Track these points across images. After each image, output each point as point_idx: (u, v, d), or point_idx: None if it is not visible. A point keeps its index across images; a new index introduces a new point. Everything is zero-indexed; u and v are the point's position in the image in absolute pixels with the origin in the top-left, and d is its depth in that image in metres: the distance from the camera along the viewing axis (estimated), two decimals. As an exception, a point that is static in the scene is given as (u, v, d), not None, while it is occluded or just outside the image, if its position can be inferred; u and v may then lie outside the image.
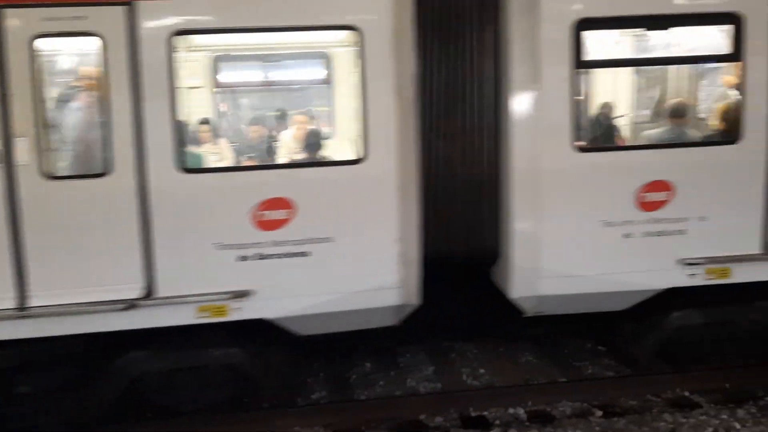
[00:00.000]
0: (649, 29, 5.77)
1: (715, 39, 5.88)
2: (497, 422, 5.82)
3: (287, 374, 6.30)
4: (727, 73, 6.25)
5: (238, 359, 5.78)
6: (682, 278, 5.97)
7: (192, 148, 5.98)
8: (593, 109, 6.54)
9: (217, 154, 6.77)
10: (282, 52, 6.80)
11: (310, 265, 5.53)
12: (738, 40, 5.68)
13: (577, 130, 5.74)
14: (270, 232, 5.46)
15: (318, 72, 7.25)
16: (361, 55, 5.41)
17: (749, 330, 6.43)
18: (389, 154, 5.52)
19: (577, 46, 5.58)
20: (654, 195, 5.80)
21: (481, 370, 6.89)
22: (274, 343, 5.97)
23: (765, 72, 5.72)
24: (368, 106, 5.45)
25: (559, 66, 5.59)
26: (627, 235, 5.84)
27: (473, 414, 5.93)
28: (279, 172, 5.78)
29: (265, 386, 5.92)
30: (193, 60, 7.13)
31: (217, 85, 7.47)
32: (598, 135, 6.31)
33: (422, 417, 5.90)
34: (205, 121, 6.89)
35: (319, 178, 5.58)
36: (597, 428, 5.66)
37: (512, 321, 6.60)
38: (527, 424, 5.78)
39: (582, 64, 5.66)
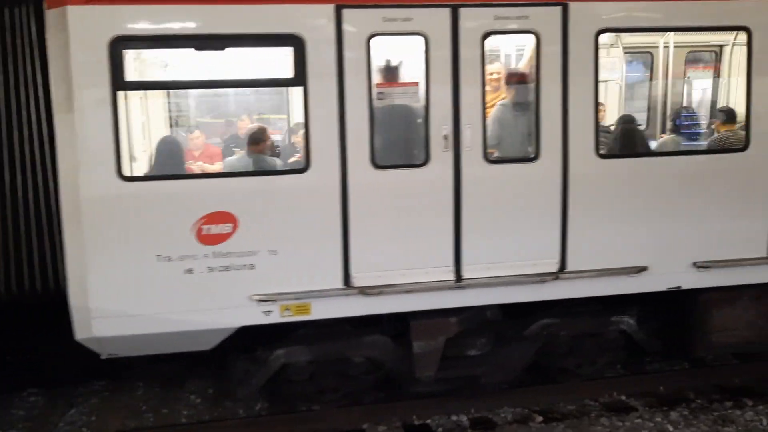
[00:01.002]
0: (199, 49, 5.31)
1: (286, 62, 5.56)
2: (440, 430, 5.98)
3: None
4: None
5: None
6: (257, 315, 5.57)
7: None
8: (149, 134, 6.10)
9: None
10: None
11: None
12: (299, 63, 5.33)
13: (120, 157, 5.23)
14: None
15: None
16: None
17: (362, 365, 6.15)
18: None
19: (118, 65, 5.09)
20: (216, 227, 5.37)
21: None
22: None
23: (332, 98, 5.38)
24: None
25: (95, 87, 5.08)
26: (188, 271, 5.38)
27: (417, 422, 6.10)
28: None
29: None
30: None
31: None
32: (157, 162, 5.84)
33: (365, 426, 5.99)
34: None
35: None
36: (536, 434, 5.94)
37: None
38: (470, 431, 5.96)
39: (124, 86, 5.19)
